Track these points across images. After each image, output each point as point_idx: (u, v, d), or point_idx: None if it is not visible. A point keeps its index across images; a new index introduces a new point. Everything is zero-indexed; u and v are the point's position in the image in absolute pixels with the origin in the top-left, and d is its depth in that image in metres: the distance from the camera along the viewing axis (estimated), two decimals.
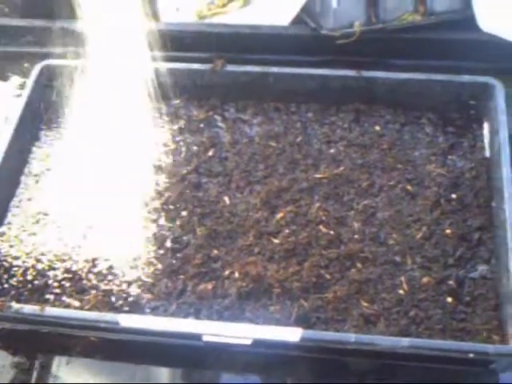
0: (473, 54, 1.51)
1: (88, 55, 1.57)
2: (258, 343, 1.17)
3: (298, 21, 1.61)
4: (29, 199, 1.42)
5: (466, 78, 1.46)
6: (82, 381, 1.24)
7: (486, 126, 1.45)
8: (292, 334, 1.14)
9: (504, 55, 1.50)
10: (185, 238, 1.34)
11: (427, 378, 1.17)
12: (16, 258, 1.33)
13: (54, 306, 1.26)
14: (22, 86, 1.66)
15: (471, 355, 1.11)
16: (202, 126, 1.52)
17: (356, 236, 1.32)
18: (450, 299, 1.24)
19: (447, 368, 1.17)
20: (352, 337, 1.15)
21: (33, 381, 1.24)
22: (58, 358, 1.26)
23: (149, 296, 1.27)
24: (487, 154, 1.42)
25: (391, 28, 1.54)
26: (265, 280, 1.27)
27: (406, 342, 1.13)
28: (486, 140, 1.43)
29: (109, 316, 1.20)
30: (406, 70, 1.49)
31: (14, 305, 1.22)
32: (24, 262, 1.33)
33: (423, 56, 1.53)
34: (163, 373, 1.27)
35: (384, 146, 1.45)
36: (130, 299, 1.27)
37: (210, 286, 1.27)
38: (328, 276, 1.27)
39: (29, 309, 1.22)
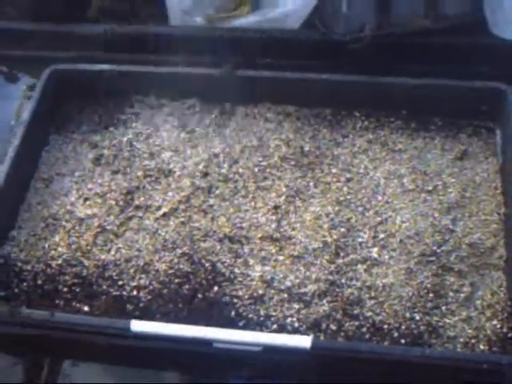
0: (484, 59, 1.50)
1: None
2: (268, 350, 1.17)
3: (308, 25, 1.60)
4: (38, 203, 1.41)
5: (477, 83, 1.45)
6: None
7: (498, 132, 1.44)
8: (303, 342, 1.14)
9: None
10: (195, 244, 1.33)
11: None
12: (26, 262, 1.33)
13: (64, 311, 1.26)
14: (31, 88, 1.65)
15: (485, 366, 1.11)
16: (211, 129, 1.50)
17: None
18: (462, 307, 1.23)
19: (459, 377, 1.16)
20: (363, 346, 1.15)
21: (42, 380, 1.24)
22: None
23: (159, 302, 1.27)
24: (500, 160, 1.41)
25: (401, 33, 1.53)
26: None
27: (417, 351, 1.13)
28: (498, 146, 1.43)
29: (120, 322, 1.20)
30: (416, 75, 1.48)
31: (24, 310, 1.22)
32: (34, 266, 1.32)
33: (433, 61, 1.51)
34: (171, 377, 1.27)
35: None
36: (141, 305, 1.27)
37: (219, 292, 1.27)
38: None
39: (39, 314, 1.22)
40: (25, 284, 1.30)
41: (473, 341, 1.19)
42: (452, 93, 1.46)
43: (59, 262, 1.33)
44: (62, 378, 1.27)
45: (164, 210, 1.38)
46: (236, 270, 1.29)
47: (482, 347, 1.19)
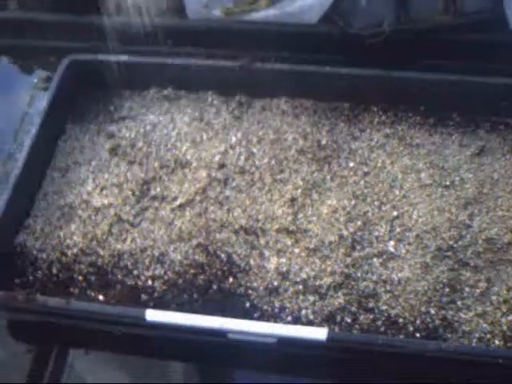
0: (504, 56, 1.49)
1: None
2: (284, 342, 1.16)
3: (326, 19, 1.59)
4: (55, 192, 1.42)
5: (496, 79, 1.44)
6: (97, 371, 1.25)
7: None
8: (319, 334, 1.13)
9: None
10: (211, 235, 1.33)
11: (454, 381, 1.16)
12: (41, 250, 1.33)
13: (79, 299, 1.26)
14: (46, 80, 1.66)
15: (500, 360, 1.10)
16: (228, 121, 1.50)
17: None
18: (478, 302, 1.23)
19: (474, 372, 1.15)
20: (379, 338, 1.14)
21: (49, 370, 1.24)
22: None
23: (174, 292, 1.27)
24: None
25: (420, 28, 1.52)
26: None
27: (433, 345, 1.13)
28: None
29: (135, 311, 1.20)
30: (435, 70, 1.47)
31: (40, 297, 1.22)
32: (49, 255, 1.33)
33: (452, 57, 1.51)
34: (178, 369, 1.27)
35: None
36: (155, 295, 1.27)
37: (234, 283, 1.27)
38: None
39: (54, 302, 1.21)
40: (40, 272, 1.31)
41: (488, 336, 1.19)
42: (471, 89, 1.45)
43: (74, 250, 1.33)
44: (68, 369, 1.26)
45: (180, 200, 1.38)
46: (251, 262, 1.29)
47: (497, 342, 1.18)
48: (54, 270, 1.31)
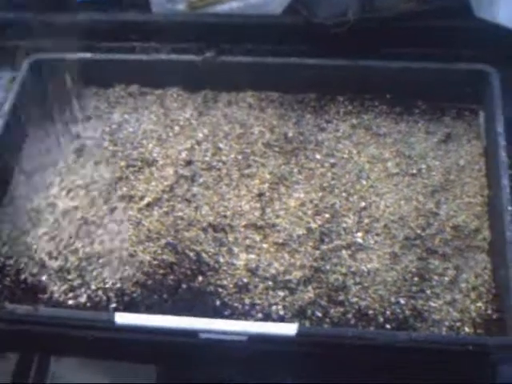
0: (468, 42, 1.49)
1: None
2: (254, 339, 1.16)
3: (290, 10, 1.58)
4: (21, 197, 1.40)
5: (462, 66, 1.44)
6: (79, 378, 1.24)
7: (481, 114, 1.44)
8: (289, 330, 1.13)
9: (499, 42, 1.47)
10: (179, 233, 1.32)
11: (425, 370, 1.16)
12: (9, 257, 1.32)
13: (48, 305, 1.25)
14: (12, 81, 1.64)
15: (470, 347, 1.10)
16: (194, 117, 1.49)
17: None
18: (447, 290, 1.23)
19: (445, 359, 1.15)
20: (349, 331, 1.14)
21: (30, 379, 1.23)
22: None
23: (144, 293, 1.26)
24: (483, 142, 1.40)
25: (385, 16, 1.51)
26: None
27: (403, 335, 1.12)
28: (482, 128, 1.42)
29: (104, 315, 1.19)
30: (401, 58, 1.47)
31: (8, 305, 1.21)
32: (17, 260, 1.31)
33: (418, 44, 1.50)
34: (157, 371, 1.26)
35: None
36: (125, 297, 1.26)
37: (204, 281, 1.26)
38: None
39: (23, 309, 1.20)
40: (8, 279, 1.29)
41: (458, 324, 1.19)
42: (436, 76, 1.45)
43: (42, 255, 1.31)
44: (50, 376, 1.25)
45: (147, 199, 1.37)
46: (220, 259, 1.28)
47: (466, 329, 1.18)
48: (23, 276, 1.29)
